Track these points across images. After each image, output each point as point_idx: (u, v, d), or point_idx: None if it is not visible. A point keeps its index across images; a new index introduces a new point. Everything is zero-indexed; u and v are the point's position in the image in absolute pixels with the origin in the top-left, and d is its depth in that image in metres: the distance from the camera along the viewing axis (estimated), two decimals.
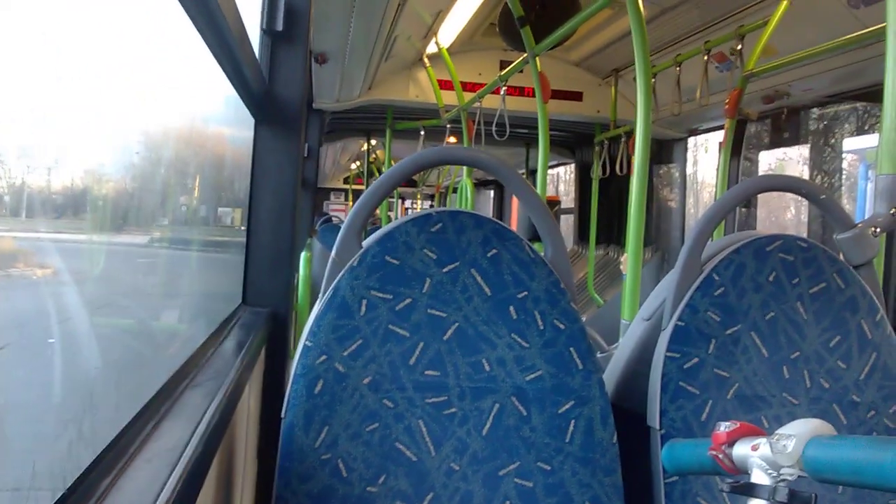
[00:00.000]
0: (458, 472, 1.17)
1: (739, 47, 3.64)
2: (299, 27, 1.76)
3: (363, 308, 1.19)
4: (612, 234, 6.15)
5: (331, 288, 1.20)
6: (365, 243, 1.24)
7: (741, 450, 0.85)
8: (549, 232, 1.30)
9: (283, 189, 1.82)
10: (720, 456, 0.87)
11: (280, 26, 1.73)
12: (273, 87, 1.77)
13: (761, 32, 3.44)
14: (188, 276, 1.46)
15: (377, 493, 1.14)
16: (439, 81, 5.18)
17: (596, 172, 5.67)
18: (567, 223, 7.25)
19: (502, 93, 4.37)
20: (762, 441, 0.83)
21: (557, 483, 1.19)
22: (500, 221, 1.27)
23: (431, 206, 14.84)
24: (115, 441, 0.75)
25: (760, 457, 0.82)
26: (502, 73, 4.43)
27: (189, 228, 1.35)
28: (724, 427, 0.87)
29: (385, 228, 1.24)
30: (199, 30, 1.10)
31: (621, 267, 4.56)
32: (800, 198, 1.53)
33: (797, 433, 0.80)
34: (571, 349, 1.23)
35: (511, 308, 1.23)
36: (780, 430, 0.81)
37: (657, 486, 1.25)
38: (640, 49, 2.60)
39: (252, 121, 1.80)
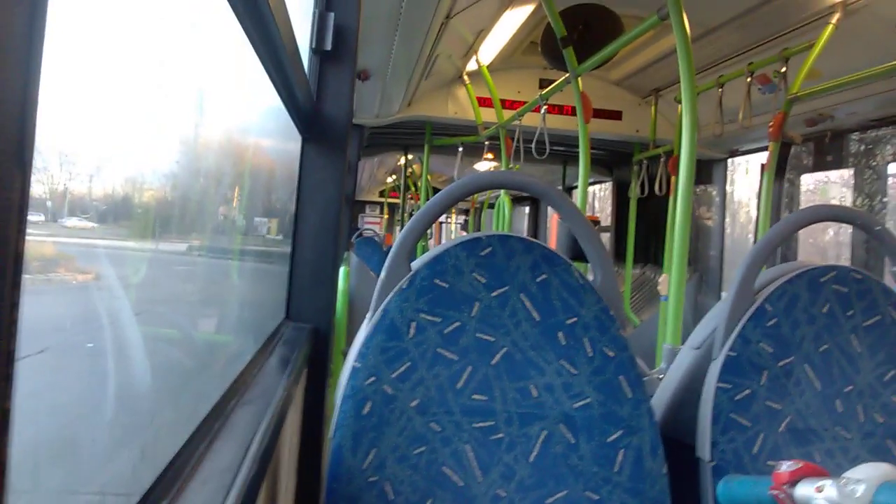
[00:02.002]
0: (504, 498, 1.16)
1: (784, 70, 3.60)
2: (347, 47, 1.78)
3: (412, 330, 1.18)
4: (650, 253, 6.09)
5: (380, 310, 1.20)
6: (414, 265, 1.24)
7: (804, 490, 0.83)
8: (599, 258, 1.29)
9: (327, 206, 1.83)
10: (781, 496, 0.85)
11: (329, 46, 1.75)
12: (321, 106, 1.78)
13: (806, 55, 3.40)
14: (230, 285, 1.47)
15: None
16: (478, 98, 5.19)
17: (634, 192, 5.63)
18: (603, 242, 7.19)
19: (543, 111, 4.36)
20: (827, 483, 0.81)
21: None
22: (549, 247, 1.26)
23: (466, 220, 14.83)
24: (173, 460, 0.75)
25: (826, 499, 0.80)
26: (543, 91, 4.42)
27: (227, 237, 1.36)
28: (785, 466, 0.85)
29: (434, 251, 1.24)
30: (255, 48, 1.12)
31: (659, 287, 4.51)
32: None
33: (867, 478, 0.78)
34: (621, 377, 1.22)
35: (560, 334, 1.22)
36: (848, 474, 0.79)
37: None
38: (686, 70, 2.58)
39: (296, 135, 1.81)
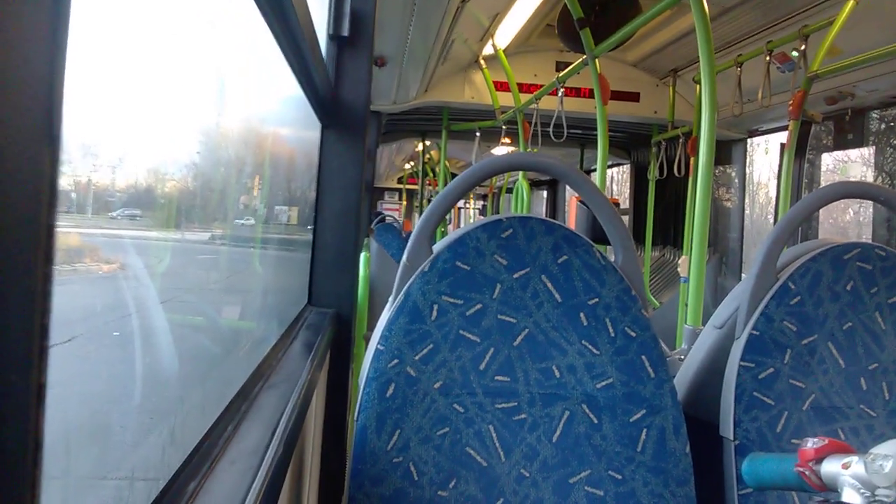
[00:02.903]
0: (528, 478, 1.17)
1: (803, 47, 3.56)
2: (364, 32, 1.78)
3: (434, 313, 1.19)
4: (668, 235, 6.06)
5: (402, 292, 1.20)
6: (435, 248, 1.24)
7: (830, 467, 0.83)
8: (621, 239, 1.29)
9: (347, 191, 1.84)
10: (807, 472, 0.85)
11: (346, 31, 1.75)
12: (339, 92, 1.79)
13: (825, 33, 3.36)
14: (252, 272, 1.49)
15: (448, 498, 1.15)
16: (495, 83, 5.17)
17: (653, 173, 5.60)
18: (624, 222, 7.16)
19: (560, 94, 4.34)
20: (854, 459, 0.81)
21: (629, 493, 1.18)
22: (570, 228, 1.26)
23: (484, 206, 14.81)
24: (201, 442, 0.76)
25: (853, 475, 0.80)
26: (560, 74, 4.40)
27: (248, 225, 1.37)
28: (811, 443, 0.85)
29: (455, 234, 1.25)
30: (274, 35, 1.12)
31: (679, 269, 4.49)
32: (857, 199, 1.49)
33: (895, 453, 0.77)
34: (643, 357, 1.22)
35: (582, 315, 1.22)
36: (876, 450, 0.79)
37: (730, 497, 1.23)
38: (705, 49, 2.56)
39: (315, 123, 1.82)
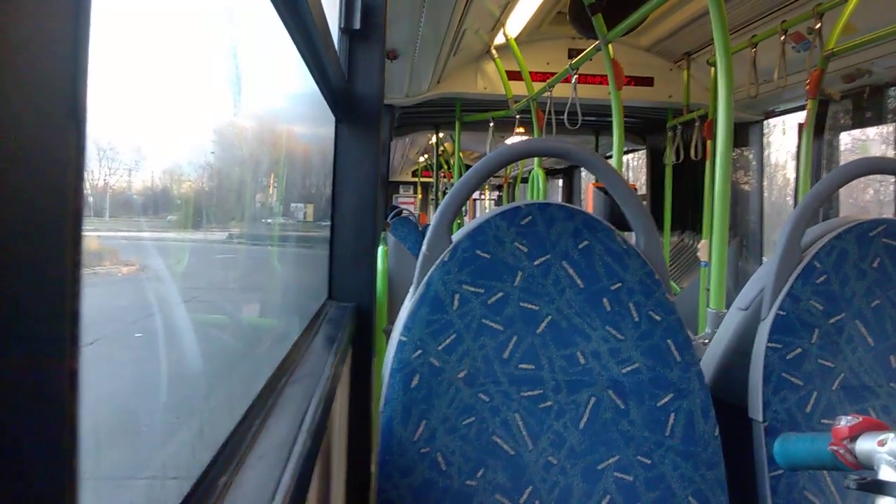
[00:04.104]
0: (556, 465, 1.16)
1: (818, 26, 3.51)
2: (375, 25, 1.77)
3: (456, 302, 1.19)
4: (687, 220, 6.02)
5: (423, 283, 1.20)
6: (455, 237, 1.24)
7: (866, 445, 0.82)
8: (642, 222, 1.27)
9: (363, 185, 1.83)
10: (841, 451, 0.84)
11: (357, 24, 1.75)
12: (352, 86, 1.79)
13: (840, 10, 3.31)
14: (271, 270, 1.49)
15: (476, 487, 1.14)
16: (507, 72, 5.15)
17: (669, 158, 5.56)
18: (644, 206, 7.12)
19: (573, 81, 4.31)
20: (890, 436, 0.80)
21: (658, 477, 1.17)
22: (590, 213, 1.25)
23: (499, 196, 14.77)
24: (229, 437, 0.77)
25: (889, 452, 0.79)
26: (573, 61, 4.37)
27: (265, 224, 1.37)
28: (845, 421, 0.84)
29: (474, 222, 1.24)
30: (287, 28, 1.12)
31: (699, 253, 4.46)
32: (878, 178, 1.46)
33: None
34: (669, 341, 1.21)
35: (605, 300, 1.21)
36: None
37: (761, 479, 1.22)
38: (720, 30, 2.53)
39: (328, 119, 1.82)
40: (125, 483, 0.61)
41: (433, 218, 1.27)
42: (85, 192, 0.25)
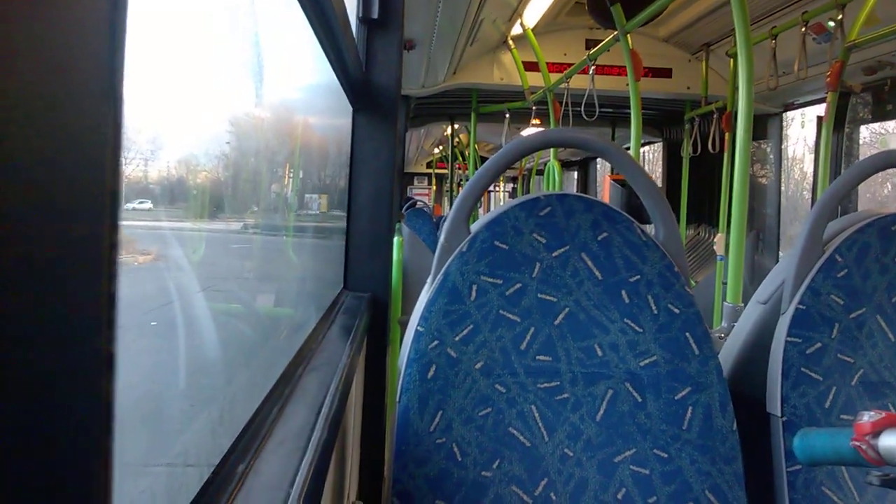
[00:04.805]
0: (572, 458, 1.16)
1: (840, 17, 3.47)
2: (394, 15, 1.77)
3: (473, 293, 1.18)
4: (703, 213, 5.98)
5: (440, 273, 1.20)
6: (473, 228, 1.23)
7: (889, 441, 0.81)
8: (661, 214, 1.27)
9: (380, 175, 1.83)
10: (863, 447, 0.83)
11: (376, 14, 1.74)
12: (370, 75, 1.78)
13: (862, 2, 3.27)
14: (286, 260, 1.49)
15: (492, 478, 1.14)
16: (524, 63, 5.13)
17: (686, 150, 5.52)
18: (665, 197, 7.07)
19: (591, 72, 4.29)
20: None
21: (675, 471, 1.17)
22: (609, 205, 1.24)
23: (514, 188, 14.74)
24: (248, 425, 0.77)
25: None
26: (591, 52, 4.35)
27: (280, 214, 1.37)
28: (867, 417, 0.83)
29: (493, 213, 1.24)
30: (307, 16, 1.12)
31: (715, 247, 4.43)
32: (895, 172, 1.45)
33: None
34: (687, 334, 1.20)
35: (623, 292, 1.20)
36: None
37: (778, 474, 1.21)
38: (741, 21, 2.50)
39: (344, 110, 1.81)
40: (144, 470, 0.61)
41: (452, 208, 1.27)
42: (122, 169, 0.26)
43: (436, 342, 1.17)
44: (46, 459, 0.22)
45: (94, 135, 0.23)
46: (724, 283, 3.67)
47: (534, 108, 5.52)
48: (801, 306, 1.25)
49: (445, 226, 1.24)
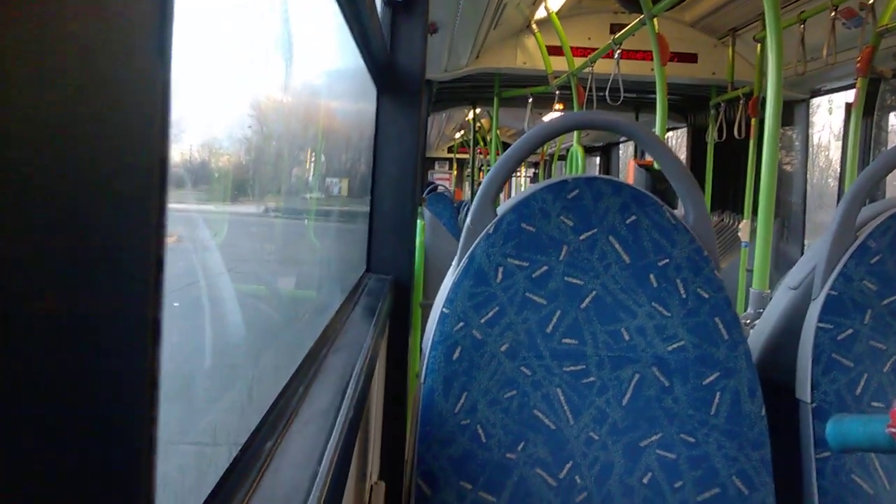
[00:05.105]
0: (597, 441, 1.16)
1: (871, 1, 3.41)
2: None
3: (499, 275, 1.18)
4: (727, 200, 5.92)
5: (466, 255, 1.19)
6: (500, 210, 1.23)
7: None
8: (692, 197, 1.25)
9: (403, 158, 1.83)
10: None
11: None
12: (394, 58, 1.78)
13: None
14: (308, 243, 1.50)
15: (516, 460, 1.14)
16: (547, 47, 5.08)
17: (711, 136, 5.46)
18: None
19: (616, 56, 4.25)
20: None
21: (702, 456, 1.16)
22: (638, 188, 1.23)
23: (536, 174, 14.68)
24: (274, 404, 0.77)
25: None
26: (615, 36, 4.30)
27: (301, 197, 1.37)
28: None
29: (520, 196, 1.23)
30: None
31: (739, 234, 4.39)
32: None
33: None
34: (716, 319, 1.19)
35: (651, 276, 1.19)
36: None
37: (807, 461, 1.20)
38: (771, 5, 2.46)
39: (369, 94, 1.81)
40: (173, 448, 0.61)
41: (479, 190, 1.26)
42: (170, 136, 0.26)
43: (461, 324, 1.16)
44: (94, 429, 0.22)
45: (144, 104, 0.24)
46: (748, 270, 3.63)
47: (557, 92, 5.47)
48: (832, 292, 1.24)
49: (472, 208, 1.23)
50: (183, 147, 0.68)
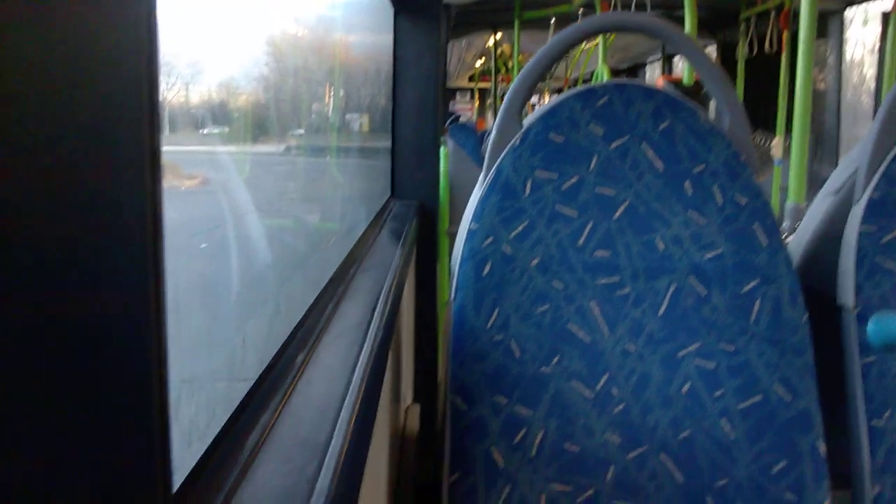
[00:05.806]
0: (633, 353, 1.14)
1: None
2: None
3: (528, 188, 1.14)
4: (759, 118, 5.78)
5: (493, 169, 1.16)
6: (526, 122, 1.19)
7: None
8: (728, 102, 1.20)
9: (424, 80, 1.79)
10: None
11: None
12: None
13: None
14: (331, 178, 1.49)
15: (550, 374, 1.13)
16: None
17: (742, 52, 5.30)
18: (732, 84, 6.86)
19: None
20: None
21: (742, 364, 1.13)
22: (671, 93, 1.18)
23: None
24: (304, 318, 0.76)
25: None
26: None
27: (322, 135, 1.35)
28: None
29: (547, 105, 1.18)
30: None
31: (772, 151, 4.29)
32: None
33: None
34: (755, 225, 1.15)
35: (686, 183, 1.15)
36: None
37: (851, 365, 1.17)
38: None
39: (388, 25, 1.76)
40: (205, 352, 0.62)
41: (504, 101, 1.22)
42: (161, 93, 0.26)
43: (490, 238, 1.14)
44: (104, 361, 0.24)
45: (132, 57, 0.25)
46: (783, 189, 3.55)
47: (581, 12, 5.32)
48: (875, 194, 1.19)
49: (497, 120, 1.19)
50: (201, 88, 0.68)
